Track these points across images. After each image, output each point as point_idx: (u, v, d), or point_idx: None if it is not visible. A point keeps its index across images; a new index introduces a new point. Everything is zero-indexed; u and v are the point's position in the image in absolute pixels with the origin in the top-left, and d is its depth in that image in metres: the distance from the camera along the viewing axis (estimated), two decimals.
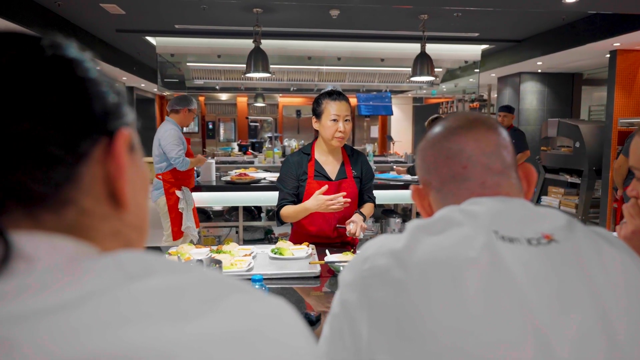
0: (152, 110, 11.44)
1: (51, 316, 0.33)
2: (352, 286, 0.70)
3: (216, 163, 5.34)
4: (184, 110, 4.00)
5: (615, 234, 0.89)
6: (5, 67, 0.39)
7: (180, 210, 3.96)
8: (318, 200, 2.08)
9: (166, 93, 9.66)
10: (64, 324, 0.32)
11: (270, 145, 7.20)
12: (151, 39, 6.02)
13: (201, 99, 10.97)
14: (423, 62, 4.87)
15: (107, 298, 0.35)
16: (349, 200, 2.12)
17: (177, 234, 3.99)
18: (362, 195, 2.34)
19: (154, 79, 8.20)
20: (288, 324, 0.40)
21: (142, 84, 9.28)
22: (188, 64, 6.56)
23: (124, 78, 8.26)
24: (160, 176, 3.94)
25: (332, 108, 2.15)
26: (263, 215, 5.15)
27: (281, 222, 2.26)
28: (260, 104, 10.29)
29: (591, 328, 0.61)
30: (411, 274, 0.65)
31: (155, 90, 10.15)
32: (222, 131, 11.51)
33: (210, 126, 11.55)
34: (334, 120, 2.15)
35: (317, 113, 2.21)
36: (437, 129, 0.82)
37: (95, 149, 0.42)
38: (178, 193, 3.96)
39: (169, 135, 3.80)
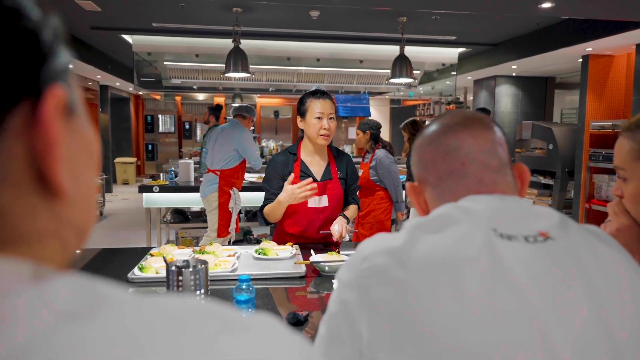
0: (127, 110, 11.23)
1: None
2: (351, 285, 0.70)
3: (194, 163, 5.28)
4: (250, 119, 4.46)
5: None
6: None
7: (230, 209, 4.17)
8: (287, 191, 2.07)
9: (142, 92, 9.51)
10: None
11: None
12: (127, 37, 5.91)
13: (178, 98, 10.84)
14: (402, 64, 4.91)
15: (41, 357, 0.25)
16: (315, 185, 2.09)
17: (223, 231, 4.18)
18: (347, 197, 2.34)
19: (129, 78, 8.06)
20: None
21: (117, 83, 9.11)
22: (165, 63, 6.46)
23: (98, 76, 8.09)
24: (218, 172, 4.14)
25: (316, 106, 2.17)
26: (242, 216, 5.11)
27: (266, 223, 2.24)
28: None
29: (590, 324, 0.62)
30: (411, 273, 0.65)
31: (131, 89, 9.97)
32: (198, 131, 11.40)
33: (187, 126, 11.42)
34: (318, 118, 2.16)
35: (302, 112, 2.21)
36: (434, 126, 0.82)
37: (11, 117, 0.30)
38: (230, 192, 4.19)
39: (249, 136, 4.25)
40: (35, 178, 0.31)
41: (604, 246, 0.71)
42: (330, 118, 2.19)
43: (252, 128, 4.60)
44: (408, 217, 5.12)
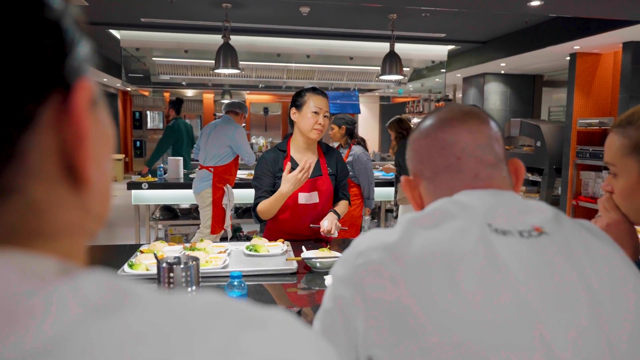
0: (115, 106, 11.13)
1: None
2: (346, 281, 0.69)
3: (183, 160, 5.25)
4: (242, 115, 4.42)
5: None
6: None
7: (223, 206, 4.15)
8: (288, 180, 2.07)
9: (130, 88, 9.41)
10: None
11: None
12: (115, 32, 5.85)
13: (166, 95, 10.74)
14: (392, 61, 4.92)
15: (72, 350, 0.25)
16: (311, 161, 2.12)
17: (217, 228, 4.15)
18: (337, 193, 2.34)
19: (117, 74, 7.96)
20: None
21: (105, 79, 9.01)
22: (154, 58, 6.40)
23: None
24: (212, 169, 4.11)
25: (314, 101, 2.20)
26: (232, 213, 5.10)
27: (259, 220, 2.24)
28: (227, 101, 10.17)
29: (585, 317, 0.63)
30: (407, 268, 0.65)
31: (119, 85, 9.87)
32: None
33: None
34: (316, 112, 2.18)
35: (299, 104, 2.22)
36: (430, 120, 0.82)
37: (45, 109, 0.29)
38: (224, 188, 4.18)
39: (242, 133, 4.22)
40: (66, 170, 0.31)
41: (597, 240, 0.72)
42: (325, 116, 2.22)
43: (243, 125, 4.55)
44: (397, 214, 5.13)
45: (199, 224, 4.32)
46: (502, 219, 0.69)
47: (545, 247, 0.67)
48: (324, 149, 2.34)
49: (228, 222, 4.22)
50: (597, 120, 5.22)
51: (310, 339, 0.33)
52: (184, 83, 7.29)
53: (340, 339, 0.69)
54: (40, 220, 0.30)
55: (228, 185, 4.21)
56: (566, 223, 0.72)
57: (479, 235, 0.66)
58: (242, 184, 4.60)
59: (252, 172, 4.96)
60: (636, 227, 1.02)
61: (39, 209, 0.30)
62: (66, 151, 0.31)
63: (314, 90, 2.25)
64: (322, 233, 2.15)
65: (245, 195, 4.57)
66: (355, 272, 0.69)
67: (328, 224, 2.13)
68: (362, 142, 4.29)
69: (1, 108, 0.27)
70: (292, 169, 2.20)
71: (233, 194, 4.26)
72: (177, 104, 5.66)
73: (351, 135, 4.18)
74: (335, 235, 2.17)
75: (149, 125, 11.46)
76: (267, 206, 2.15)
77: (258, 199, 2.21)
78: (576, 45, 5.18)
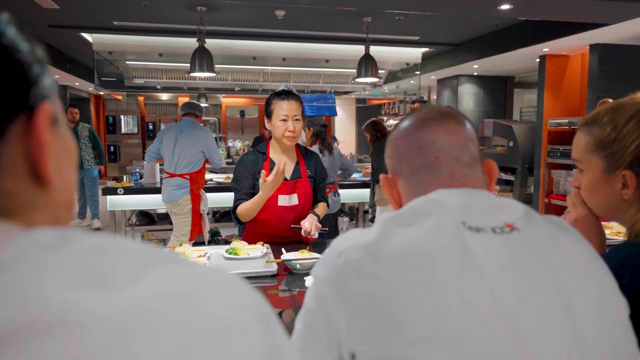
0: (87, 111, 10.91)
1: None
2: (328, 281, 0.71)
3: (160, 164, 5.19)
4: (201, 117, 4.33)
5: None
6: None
7: (201, 212, 4.10)
8: (266, 185, 2.05)
9: (102, 92, 9.26)
10: None
11: None
12: (87, 36, 5.75)
13: (140, 99, 10.61)
14: (367, 64, 4.97)
15: (23, 268, 0.34)
16: (285, 161, 2.10)
17: (195, 234, 4.11)
18: (316, 195, 2.36)
19: (89, 78, 7.83)
20: (224, 281, 0.41)
21: (77, 83, 8.84)
22: (127, 62, 6.31)
23: (57, 76, 7.83)
24: (187, 176, 4.04)
25: (280, 108, 2.17)
26: (210, 217, 5.06)
27: (239, 222, 2.24)
28: (203, 104, 10.10)
29: (555, 309, 0.66)
30: (386, 266, 0.67)
31: (91, 89, 9.69)
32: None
33: (151, 127, 11.16)
34: (283, 120, 2.16)
35: (268, 113, 2.22)
36: (409, 120, 0.85)
37: (13, 126, 0.39)
38: (201, 194, 4.12)
39: (212, 136, 4.17)
40: (31, 171, 0.41)
41: (565, 236, 0.75)
42: (296, 119, 2.18)
43: (201, 124, 4.46)
44: (372, 215, 5.18)
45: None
46: (475, 216, 0.72)
47: (517, 242, 0.70)
48: (302, 152, 2.36)
49: (207, 227, 4.18)
50: (567, 120, 5.36)
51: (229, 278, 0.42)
52: (158, 87, 7.20)
53: (323, 338, 0.71)
54: (12, 204, 0.40)
55: (202, 190, 4.17)
56: (536, 219, 0.75)
57: (453, 232, 0.69)
58: (219, 188, 4.58)
59: (229, 175, 4.94)
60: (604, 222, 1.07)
61: (10, 196, 0.40)
62: (30, 157, 0.41)
63: (278, 95, 2.19)
64: (302, 234, 2.17)
65: (223, 199, 4.54)
66: (336, 271, 0.70)
67: (309, 224, 2.15)
68: (325, 143, 4.20)
69: None
70: (272, 170, 2.22)
71: (207, 198, 4.23)
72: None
73: (318, 136, 4.18)
74: (316, 236, 2.19)
75: (123, 130, 11.28)
76: (247, 209, 2.15)
77: (238, 201, 2.21)
78: (545, 48, 5.33)
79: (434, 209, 0.73)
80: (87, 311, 0.33)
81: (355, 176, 5.24)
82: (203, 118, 4.52)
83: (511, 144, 6.08)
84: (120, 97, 10.41)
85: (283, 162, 2.07)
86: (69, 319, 0.32)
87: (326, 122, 4.36)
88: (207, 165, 4.37)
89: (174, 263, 0.39)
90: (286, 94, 2.19)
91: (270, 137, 2.31)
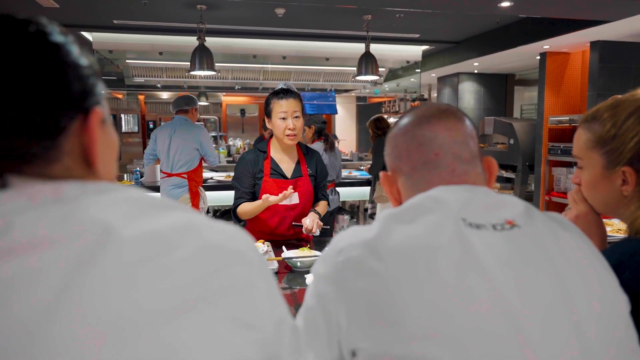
0: None
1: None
2: (328, 279, 0.71)
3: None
4: (192, 110, 4.20)
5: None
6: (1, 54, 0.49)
7: (200, 209, 4.05)
8: (268, 202, 2.10)
9: (103, 91, 9.25)
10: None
11: (215, 145, 7.09)
12: (87, 34, 5.75)
13: (141, 97, 10.60)
14: (368, 62, 4.96)
15: (77, 201, 0.49)
16: (290, 192, 2.13)
17: None
18: (317, 193, 2.36)
19: None
20: (224, 225, 0.55)
21: None
22: (127, 61, 6.31)
23: None
24: (185, 175, 4.00)
25: (279, 106, 2.17)
26: (210, 215, 5.06)
27: (238, 221, 2.24)
28: (203, 103, 10.08)
29: (556, 305, 0.66)
30: (386, 263, 0.67)
31: None
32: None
33: (151, 125, 11.15)
34: (282, 118, 2.16)
35: (267, 112, 2.22)
36: (408, 117, 0.85)
37: (73, 124, 0.53)
38: (199, 191, 4.07)
39: (207, 133, 4.12)
40: (84, 157, 0.55)
41: (566, 232, 0.75)
42: (296, 117, 2.18)
43: (201, 123, 4.44)
44: (372, 212, 5.18)
45: None
46: (476, 213, 0.72)
47: (518, 239, 0.70)
48: (303, 150, 2.35)
49: None
50: (567, 118, 5.35)
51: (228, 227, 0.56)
52: (159, 85, 7.21)
53: (323, 335, 0.71)
54: (70, 174, 0.53)
55: (201, 187, 4.15)
56: (537, 216, 0.75)
57: (454, 229, 0.69)
58: (220, 186, 4.58)
59: (230, 174, 4.95)
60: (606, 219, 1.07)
61: (69, 170, 0.53)
62: (83, 149, 0.54)
63: (276, 94, 2.20)
64: (304, 232, 2.17)
65: (224, 198, 4.54)
66: (336, 269, 0.71)
67: (310, 222, 2.15)
68: (328, 140, 4.25)
69: (52, 123, 0.51)
70: (272, 169, 2.22)
71: (206, 195, 4.21)
72: None
73: (320, 133, 4.20)
74: (317, 233, 2.19)
75: (124, 129, 11.27)
76: (247, 212, 2.17)
77: (238, 199, 2.21)
78: (546, 45, 5.32)
79: (434, 206, 0.73)
80: (118, 231, 0.46)
81: (356, 174, 5.24)
82: (204, 116, 4.49)
83: (512, 141, 6.07)
84: (120, 96, 10.43)
85: (289, 192, 2.10)
86: (104, 234, 0.46)
87: (325, 119, 4.38)
88: (206, 164, 4.36)
89: (186, 211, 0.53)
90: (284, 92, 2.19)
91: (272, 136, 2.31)
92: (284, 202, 2.22)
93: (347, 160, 7.24)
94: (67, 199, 0.49)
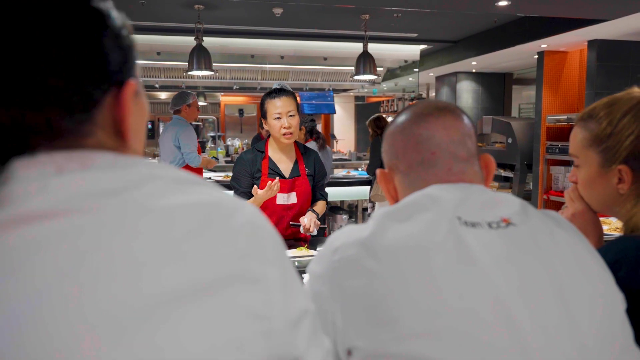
0: None
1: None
2: (323, 278, 0.71)
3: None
4: (185, 107, 4.10)
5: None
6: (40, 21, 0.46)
7: None
8: (258, 197, 2.08)
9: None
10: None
11: (213, 145, 7.08)
12: None
13: None
14: (366, 61, 4.96)
15: (110, 170, 0.49)
16: (277, 181, 2.11)
17: None
18: (315, 193, 2.36)
19: None
20: (249, 207, 0.55)
21: None
22: None
23: None
24: None
25: (273, 106, 2.17)
26: None
27: None
28: (201, 103, 10.07)
29: (551, 304, 0.66)
30: (381, 261, 0.67)
31: None
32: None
33: (150, 126, 11.16)
34: (277, 117, 2.16)
35: (263, 113, 2.23)
36: (405, 115, 0.84)
37: (106, 97, 0.51)
38: None
39: (187, 132, 3.99)
40: (116, 130, 0.53)
41: (561, 230, 0.75)
42: (290, 115, 2.17)
43: (197, 122, 4.32)
44: (371, 212, 5.18)
45: None
46: (471, 211, 0.72)
47: (513, 237, 0.70)
48: (301, 150, 2.35)
49: None
50: (565, 117, 5.36)
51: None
52: (157, 85, 7.20)
53: None
54: (102, 147, 0.51)
55: None
56: (533, 214, 0.75)
57: (448, 227, 0.69)
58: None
59: (228, 174, 4.94)
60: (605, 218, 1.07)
61: (102, 144, 0.51)
62: (116, 121, 0.53)
63: (269, 94, 2.20)
64: (301, 231, 2.17)
65: None
66: (331, 268, 0.71)
67: (308, 221, 2.15)
68: (320, 138, 4.27)
69: (85, 96, 0.49)
70: (270, 168, 2.22)
71: None
72: None
73: (311, 132, 4.20)
74: (315, 233, 2.19)
75: None
76: None
77: None
78: (543, 44, 5.32)
79: (430, 204, 0.73)
80: (155, 204, 0.47)
81: (355, 173, 5.24)
82: (202, 116, 4.44)
83: (510, 140, 6.08)
84: None
85: (276, 181, 2.08)
86: (140, 208, 0.47)
87: (313, 117, 4.39)
88: (207, 165, 4.32)
89: (211, 188, 0.53)
90: (277, 92, 2.19)
91: (269, 136, 2.31)
92: (282, 202, 2.22)
93: (345, 159, 7.24)
94: (96, 168, 0.48)
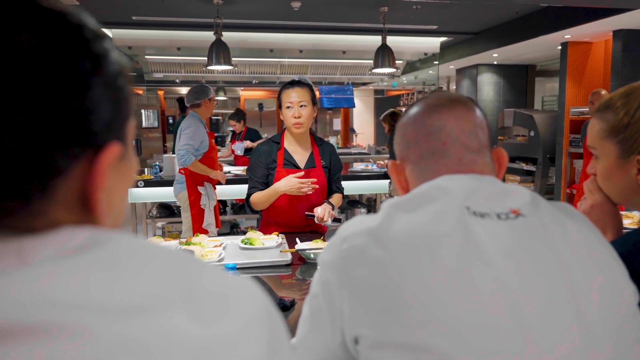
0: None
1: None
2: (332, 266, 0.72)
3: None
4: (205, 101, 3.85)
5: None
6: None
7: (202, 206, 3.82)
8: (289, 181, 2.12)
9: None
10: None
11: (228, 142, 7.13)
12: (107, 31, 5.84)
13: (160, 93, 10.73)
14: (384, 54, 4.93)
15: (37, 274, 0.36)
16: (317, 186, 2.15)
17: (198, 230, 3.75)
18: (331, 186, 2.36)
19: None
20: (248, 283, 0.45)
21: None
22: (147, 56, 6.39)
23: None
24: (182, 171, 3.80)
25: (287, 96, 2.22)
26: (228, 209, 5.12)
27: (252, 210, 2.27)
28: (221, 98, 10.16)
29: (559, 292, 0.65)
30: (389, 251, 0.67)
31: None
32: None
33: (171, 121, 11.29)
34: (289, 107, 2.20)
35: (279, 104, 2.27)
36: (417, 107, 0.84)
37: (75, 165, 0.38)
38: (200, 189, 3.82)
39: (191, 127, 3.71)
40: (83, 203, 0.40)
41: (572, 222, 0.74)
42: (302, 105, 2.20)
43: (215, 104, 4.07)
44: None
45: None
46: (480, 201, 0.72)
47: (522, 228, 0.70)
48: (317, 142, 2.36)
49: (207, 222, 3.87)
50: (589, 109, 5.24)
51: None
52: (177, 80, 7.28)
53: (327, 322, 0.72)
54: (57, 226, 0.38)
55: (208, 184, 3.89)
56: (543, 205, 0.75)
57: (457, 217, 0.69)
58: (237, 180, 4.61)
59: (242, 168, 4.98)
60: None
61: (57, 223, 0.39)
62: (85, 193, 0.40)
63: (284, 86, 2.26)
64: (316, 221, 2.18)
65: (242, 191, 4.57)
66: (340, 257, 0.71)
67: (322, 211, 2.16)
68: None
69: (43, 163, 0.36)
70: (286, 159, 2.24)
71: (214, 192, 3.95)
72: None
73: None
74: (329, 222, 2.20)
75: (144, 124, 11.43)
76: (261, 198, 2.20)
77: (251, 189, 2.26)
78: (567, 35, 5.21)
79: (438, 195, 0.73)
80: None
81: (373, 167, 5.22)
82: (222, 111, 4.36)
83: (532, 133, 5.98)
84: (140, 92, 10.56)
85: (308, 182, 2.14)
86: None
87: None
88: (223, 157, 4.30)
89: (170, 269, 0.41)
90: (292, 83, 2.25)
91: (285, 128, 2.33)
92: (302, 192, 2.19)
93: (364, 153, 7.21)
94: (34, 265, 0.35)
